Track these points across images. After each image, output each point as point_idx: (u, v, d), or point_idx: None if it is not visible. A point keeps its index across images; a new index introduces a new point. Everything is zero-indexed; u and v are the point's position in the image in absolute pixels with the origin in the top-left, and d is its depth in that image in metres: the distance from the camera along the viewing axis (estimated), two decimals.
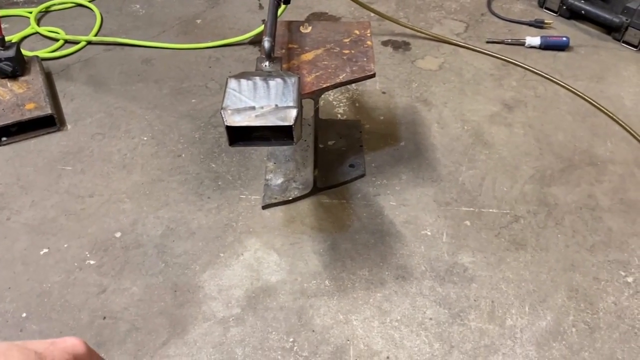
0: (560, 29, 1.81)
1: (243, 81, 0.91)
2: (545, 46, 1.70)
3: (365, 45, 1.18)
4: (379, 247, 1.18)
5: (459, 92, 1.56)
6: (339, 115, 1.49)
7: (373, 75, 1.12)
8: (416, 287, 1.11)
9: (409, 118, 1.48)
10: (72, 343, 0.43)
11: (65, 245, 1.17)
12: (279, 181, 1.30)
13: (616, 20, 1.72)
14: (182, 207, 1.25)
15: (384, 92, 1.56)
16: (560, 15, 1.85)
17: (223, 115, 0.87)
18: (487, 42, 1.74)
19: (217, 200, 1.27)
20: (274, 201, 1.26)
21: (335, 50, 1.17)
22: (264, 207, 1.25)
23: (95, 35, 1.75)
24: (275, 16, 1.09)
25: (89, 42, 1.72)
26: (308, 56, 1.15)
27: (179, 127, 1.45)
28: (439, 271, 1.13)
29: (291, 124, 0.87)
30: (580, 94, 1.54)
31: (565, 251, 1.17)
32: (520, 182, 1.32)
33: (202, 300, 1.08)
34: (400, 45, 1.73)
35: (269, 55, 1.00)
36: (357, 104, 1.53)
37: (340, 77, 1.10)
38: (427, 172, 1.33)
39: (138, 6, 1.91)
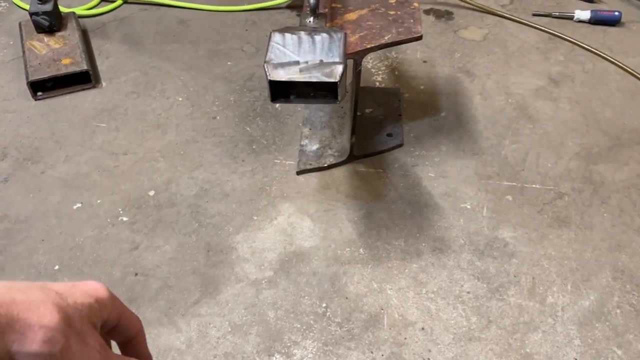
0: (611, 3, 1.72)
1: (287, 35, 0.88)
2: (595, 21, 1.63)
3: (412, 7, 1.13)
4: (415, 218, 1.14)
5: (503, 64, 1.50)
6: (377, 84, 1.45)
7: (420, 38, 1.07)
8: (454, 260, 1.07)
9: (451, 89, 1.43)
10: (94, 287, 0.40)
11: (99, 201, 1.16)
12: (315, 147, 1.27)
13: None
14: (216, 168, 1.23)
15: (425, 61, 1.51)
16: None
17: (266, 69, 0.84)
18: (534, 15, 1.67)
19: (252, 163, 1.24)
20: (308, 167, 1.23)
21: (380, 11, 1.12)
22: (299, 173, 1.22)
23: None
24: None
25: (125, 1, 1.70)
26: (352, 16, 1.11)
27: (214, 89, 1.42)
28: (478, 245, 1.10)
29: (337, 80, 0.83)
30: (632, 71, 1.47)
31: (611, 231, 1.12)
32: (565, 158, 1.26)
33: (235, 261, 1.06)
34: (442, 14, 1.67)
35: (314, 11, 0.96)
36: (396, 72, 1.48)
37: (386, 37, 1.06)
38: (468, 145, 1.29)
39: None
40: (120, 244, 1.09)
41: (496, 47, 1.55)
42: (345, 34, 0.90)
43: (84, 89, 1.40)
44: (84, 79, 1.40)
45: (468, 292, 1.02)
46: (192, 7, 1.67)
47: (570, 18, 1.65)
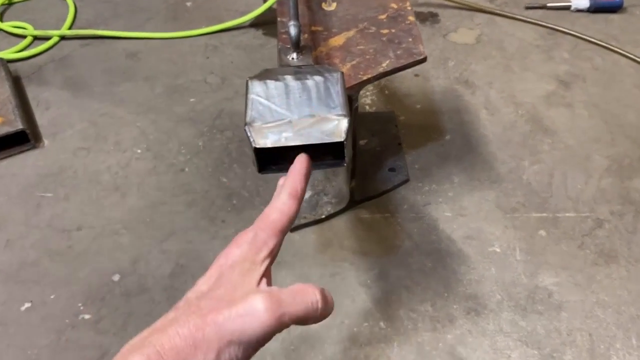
0: None
1: (270, 83, 0.68)
2: (595, 8, 1.47)
3: (407, 22, 0.94)
4: (439, 272, 0.96)
5: (504, 69, 1.32)
6: (367, 107, 1.26)
7: (424, 60, 0.88)
8: (494, 323, 0.89)
9: (451, 104, 1.24)
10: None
11: (52, 297, 0.94)
12: (307, 195, 1.07)
13: None
14: (193, 235, 1.02)
15: (416, 75, 1.32)
16: None
17: (249, 134, 0.63)
18: (527, 8, 1.50)
19: (234, 223, 1.04)
20: (303, 221, 1.03)
21: (370, 31, 0.93)
22: (292, 230, 1.03)
23: (70, 28, 1.49)
24: None
25: (63, 37, 1.46)
26: (338, 40, 0.91)
27: (178, 133, 1.21)
28: (519, 299, 0.92)
29: (343, 139, 0.63)
30: None
31: None
32: (595, 176, 1.09)
33: None
34: (426, 17, 1.48)
35: (297, 44, 0.76)
36: (386, 92, 1.29)
37: (384, 64, 0.86)
38: (483, 172, 1.11)
39: None
40: (84, 351, 0.88)
41: (493, 50, 1.38)
42: (342, 73, 0.70)
43: (22, 151, 1.17)
44: (21, 140, 1.17)
45: None
46: (142, 37, 1.45)
47: (567, 8, 1.48)
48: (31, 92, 1.31)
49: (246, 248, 0.50)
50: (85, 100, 1.29)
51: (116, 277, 0.97)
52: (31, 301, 0.94)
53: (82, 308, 0.93)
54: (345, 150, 0.65)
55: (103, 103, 1.28)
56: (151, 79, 1.34)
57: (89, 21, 1.52)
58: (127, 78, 1.35)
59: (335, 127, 0.64)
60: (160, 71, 1.36)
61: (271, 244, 0.50)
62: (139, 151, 1.17)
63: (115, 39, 1.46)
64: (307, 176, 0.56)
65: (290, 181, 0.54)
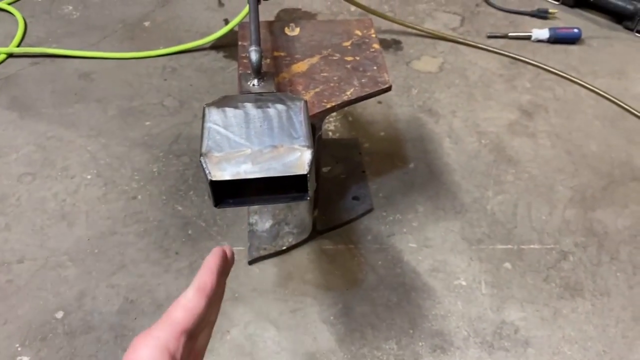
0: (566, 19, 1.59)
1: (229, 111, 0.63)
2: (555, 39, 1.48)
3: (371, 50, 0.92)
4: (404, 308, 0.92)
5: (467, 98, 1.32)
6: (331, 134, 1.22)
7: (389, 89, 0.86)
8: None
9: (415, 133, 1.23)
10: None
11: None
12: (267, 225, 1.02)
13: (629, 7, 1.51)
14: (144, 268, 0.96)
15: (379, 102, 1.30)
16: (563, 3, 1.63)
17: (204, 165, 0.59)
18: (489, 37, 1.51)
19: (188, 256, 0.98)
20: (263, 253, 0.98)
21: (334, 58, 0.90)
22: (251, 262, 0.98)
23: (18, 45, 1.41)
24: (257, 16, 0.81)
25: (10, 55, 1.39)
26: (301, 66, 0.88)
27: (132, 159, 1.15)
28: (485, 335, 0.89)
29: (306, 172, 0.59)
30: (604, 94, 1.33)
31: (630, 294, 0.95)
32: (559, 206, 1.08)
33: None
34: (390, 44, 1.47)
35: (258, 70, 0.72)
36: (350, 118, 1.26)
37: (348, 93, 0.84)
38: (447, 201, 1.08)
39: (71, 7, 1.57)
40: None
41: (456, 79, 1.37)
42: (306, 101, 0.66)
43: None
44: None
45: None
46: (95, 57, 1.39)
47: (528, 38, 1.50)
48: None
49: (145, 356, 0.40)
50: (32, 122, 1.22)
51: (59, 315, 0.89)
52: None
53: (19, 349, 0.85)
54: (309, 184, 0.61)
55: (51, 125, 1.21)
56: (104, 101, 1.28)
57: (40, 38, 1.45)
58: (78, 99, 1.28)
59: (297, 159, 0.60)
60: (114, 93, 1.30)
61: (172, 347, 0.41)
62: (88, 177, 1.11)
63: (67, 58, 1.39)
64: (221, 272, 0.48)
65: (200, 275, 0.46)
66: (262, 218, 1.03)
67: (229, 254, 0.51)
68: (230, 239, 1.00)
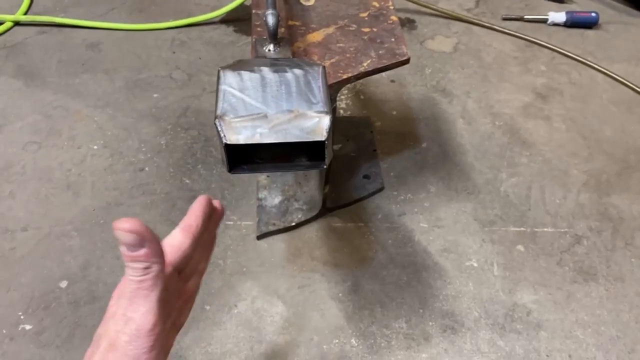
0: (583, 3, 1.56)
1: (245, 74, 0.61)
2: (571, 23, 1.45)
3: (389, 22, 0.89)
4: (414, 287, 0.90)
5: (481, 79, 1.29)
6: (342, 112, 1.20)
7: (407, 61, 0.83)
8: (471, 342, 0.84)
9: (428, 112, 1.20)
10: None
11: None
12: (277, 201, 1.00)
13: None
14: None
15: (392, 81, 1.27)
16: None
17: (219, 128, 0.57)
18: (504, 19, 1.48)
19: None
20: (272, 228, 0.96)
21: (351, 28, 0.87)
22: (260, 237, 0.96)
23: (25, 13, 1.39)
24: None
25: (17, 23, 1.36)
26: (316, 36, 0.85)
27: (139, 130, 1.13)
28: (497, 317, 0.87)
29: (324, 138, 0.57)
30: (621, 79, 1.30)
31: None
32: (573, 190, 1.06)
33: None
34: (404, 23, 1.44)
35: (275, 35, 0.70)
36: (362, 96, 1.24)
37: (364, 64, 0.81)
38: (460, 182, 1.06)
39: None
40: None
41: (470, 59, 1.34)
42: (324, 67, 0.64)
43: None
44: None
45: None
46: (104, 27, 1.36)
47: (544, 21, 1.47)
48: None
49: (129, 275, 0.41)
50: (38, 91, 1.19)
51: (63, 284, 0.88)
52: None
53: (22, 317, 0.83)
54: (326, 151, 0.59)
55: (58, 95, 1.19)
56: (112, 72, 1.25)
57: (47, 7, 1.42)
58: (85, 70, 1.26)
59: (315, 124, 0.58)
60: (122, 64, 1.28)
61: (155, 267, 0.40)
62: (95, 147, 1.09)
63: (75, 28, 1.36)
64: (207, 217, 0.50)
65: (185, 218, 0.49)
66: (271, 193, 1.01)
67: (217, 205, 0.53)
68: (238, 213, 0.99)
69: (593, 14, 1.45)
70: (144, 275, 0.40)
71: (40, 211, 0.97)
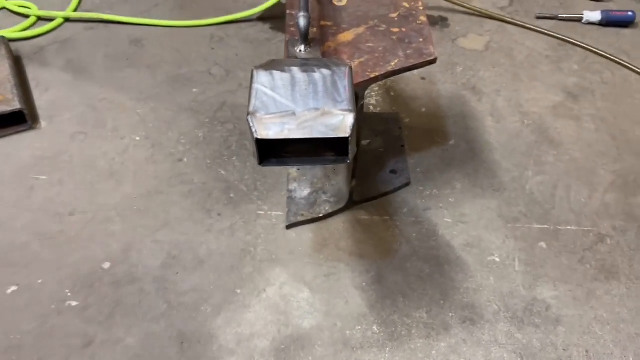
0: (619, 1, 1.55)
1: (276, 74, 0.66)
2: (607, 22, 1.45)
3: (418, 22, 0.92)
4: (436, 279, 0.94)
5: (512, 78, 1.30)
6: (372, 108, 1.24)
7: (434, 61, 0.86)
8: (489, 333, 0.87)
9: (457, 110, 1.23)
10: None
11: (40, 281, 0.92)
12: (306, 193, 1.05)
13: None
14: (187, 227, 1.00)
15: (423, 78, 1.30)
16: None
17: (251, 124, 0.61)
18: (538, 18, 1.48)
19: (230, 217, 1.01)
20: (300, 219, 1.01)
21: (381, 29, 0.91)
22: (289, 227, 1.01)
23: (75, 10, 1.47)
24: None
25: (67, 19, 1.44)
26: (347, 36, 0.89)
27: (179, 123, 1.19)
28: (516, 310, 0.90)
29: (347, 135, 0.61)
30: None
31: None
32: (600, 190, 1.07)
33: (217, 355, 0.84)
34: (437, 21, 1.46)
35: (306, 37, 0.74)
36: (392, 93, 1.27)
37: (392, 63, 0.85)
38: (486, 179, 1.09)
39: None
40: (69, 339, 0.85)
41: (502, 58, 1.36)
42: (351, 67, 0.68)
43: (18, 132, 1.15)
44: (18, 120, 1.14)
45: None
46: (147, 24, 1.43)
47: (579, 20, 1.47)
48: (31, 72, 1.29)
49: None
50: (85, 84, 1.27)
51: (106, 265, 0.94)
52: (17, 284, 0.92)
53: (69, 294, 0.91)
54: (350, 147, 0.63)
55: (103, 88, 1.26)
56: (154, 67, 1.32)
57: (95, 5, 1.50)
58: (129, 64, 1.33)
59: (340, 122, 0.62)
60: (163, 59, 1.34)
61: None
62: (137, 139, 1.15)
63: (120, 24, 1.43)
64: None
65: None
66: (301, 186, 1.06)
67: None
68: (269, 204, 1.04)
69: (630, 13, 1.45)
70: None
71: (86, 197, 1.04)
